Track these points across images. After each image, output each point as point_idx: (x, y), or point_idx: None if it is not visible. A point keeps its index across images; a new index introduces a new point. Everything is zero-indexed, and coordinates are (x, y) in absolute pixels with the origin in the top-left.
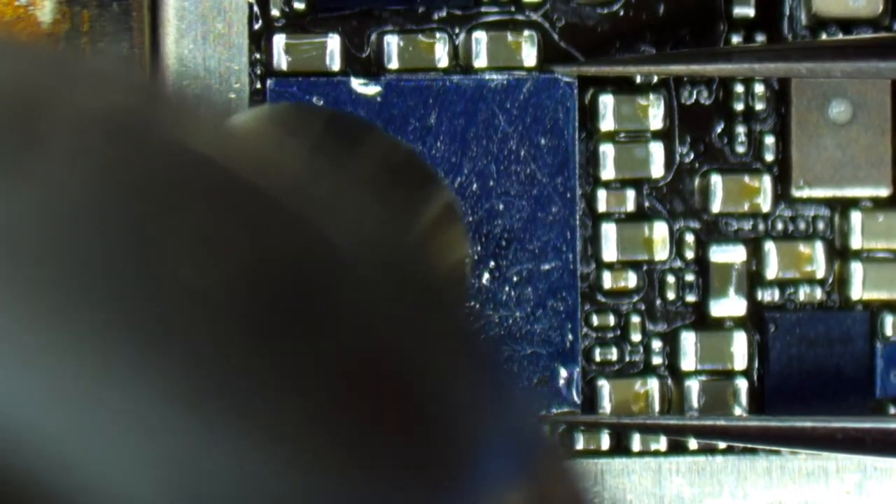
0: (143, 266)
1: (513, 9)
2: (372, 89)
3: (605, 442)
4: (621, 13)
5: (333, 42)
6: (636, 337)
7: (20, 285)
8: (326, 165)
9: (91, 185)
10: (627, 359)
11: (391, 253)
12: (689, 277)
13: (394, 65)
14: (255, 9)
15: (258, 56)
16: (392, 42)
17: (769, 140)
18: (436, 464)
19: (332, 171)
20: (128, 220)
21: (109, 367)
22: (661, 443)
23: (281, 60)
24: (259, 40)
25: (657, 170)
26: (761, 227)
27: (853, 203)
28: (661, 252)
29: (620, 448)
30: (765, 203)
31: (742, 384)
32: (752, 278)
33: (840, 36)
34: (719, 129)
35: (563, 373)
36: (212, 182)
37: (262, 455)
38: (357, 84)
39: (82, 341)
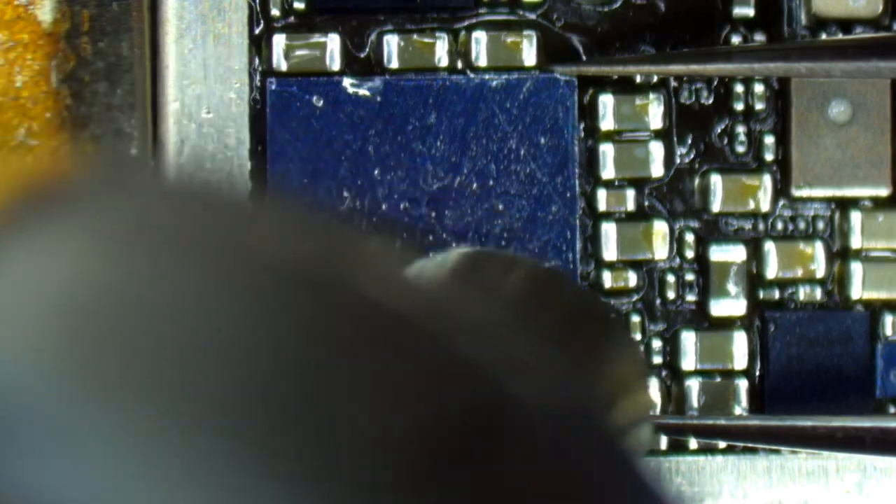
0: (322, 411)
1: (512, 9)
2: (363, 90)
3: None
4: (621, 13)
5: (333, 42)
6: (636, 336)
7: (190, 419)
8: (509, 314)
9: (276, 331)
10: None
11: (569, 405)
12: (689, 277)
13: (394, 64)
14: (255, 9)
15: (258, 56)
16: (392, 42)
17: (769, 140)
18: None
19: (514, 320)
20: (311, 364)
21: None
22: (662, 442)
23: (281, 60)
24: (259, 40)
25: (657, 169)
26: (761, 226)
27: (853, 203)
28: (661, 251)
29: None
30: (765, 203)
31: (742, 384)
32: (752, 278)
33: (840, 36)
34: (719, 129)
35: None
36: (394, 333)
37: None
38: (349, 84)
39: (258, 486)
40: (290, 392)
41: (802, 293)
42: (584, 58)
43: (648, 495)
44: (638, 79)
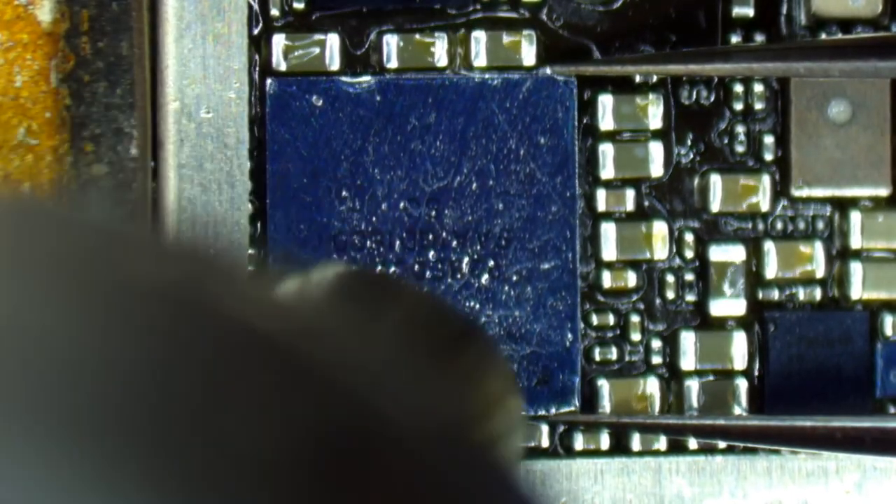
0: (199, 433)
1: (512, 8)
2: (363, 90)
3: (605, 442)
4: (621, 13)
5: (333, 42)
6: (636, 336)
7: (67, 442)
8: (370, 328)
9: (145, 352)
10: (627, 358)
11: (443, 426)
12: (689, 277)
13: (393, 64)
14: (255, 9)
15: (258, 56)
16: (391, 41)
17: (769, 140)
18: None
19: (375, 334)
20: (178, 387)
21: None
22: (661, 442)
23: (280, 60)
24: (258, 40)
25: (657, 169)
26: (761, 226)
27: (853, 203)
28: (661, 251)
29: (620, 448)
30: (764, 203)
31: (742, 384)
32: (752, 278)
33: (839, 36)
34: (719, 129)
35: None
36: (266, 353)
37: None
38: (348, 83)
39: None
40: (153, 409)
41: (802, 293)
42: (583, 58)
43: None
44: (637, 78)
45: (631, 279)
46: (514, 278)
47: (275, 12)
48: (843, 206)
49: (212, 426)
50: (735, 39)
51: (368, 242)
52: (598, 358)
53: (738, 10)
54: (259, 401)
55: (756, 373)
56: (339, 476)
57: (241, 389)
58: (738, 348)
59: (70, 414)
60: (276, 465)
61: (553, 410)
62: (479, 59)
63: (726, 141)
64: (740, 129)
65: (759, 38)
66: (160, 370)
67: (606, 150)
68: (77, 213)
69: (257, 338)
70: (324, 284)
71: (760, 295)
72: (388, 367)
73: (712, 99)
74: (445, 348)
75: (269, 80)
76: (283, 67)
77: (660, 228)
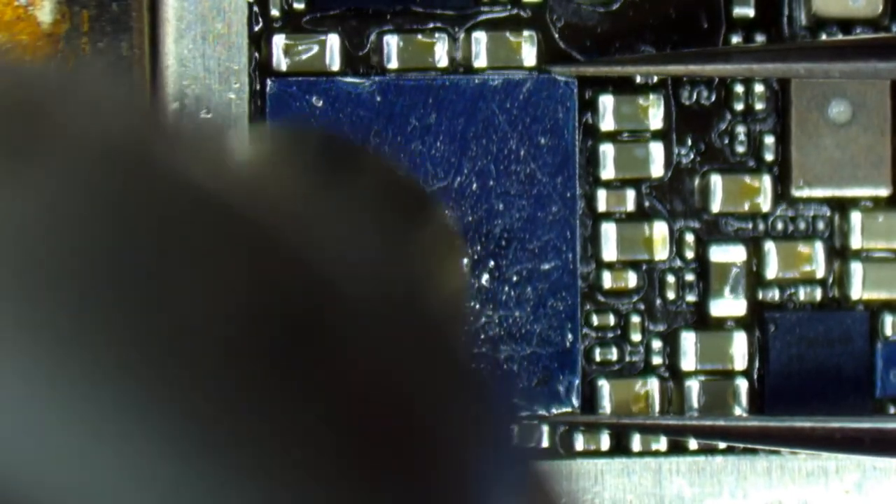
0: (143, 301)
1: (512, 9)
2: (363, 90)
3: (606, 442)
4: (621, 13)
5: (333, 42)
6: (636, 337)
7: (14, 314)
8: (322, 192)
9: (86, 210)
10: (627, 359)
11: (389, 283)
12: (689, 277)
13: (393, 64)
14: (255, 9)
15: (258, 56)
16: (392, 42)
17: (769, 140)
18: (438, 500)
19: (327, 197)
20: (125, 251)
21: (109, 412)
22: (662, 443)
23: (280, 60)
24: (258, 40)
25: (657, 169)
26: (761, 226)
27: (853, 203)
28: (661, 252)
29: (621, 448)
30: (765, 203)
31: (742, 384)
32: (752, 278)
33: (840, 36)
34: (719, 129)
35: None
36: (211, 216)
37: (263, 497)
38: (349, 84)
39: (81, 381)
40: (104, 271)
41: (802, 293)
42: (583, 58)
43: (468, 372)
44: (638, 79)
45: (631, 279)
46: (515, 279)
47: (275, 13)
48: (843, 206)
49: (163, 297)
50: (735, 40)
51: None
52: (598, 358)
53: (738, 11)
54: (202, 266)
55: (756, 373)
56: (291, 348)
57: (183, 254)
58: (739, 348)
59: (21, 283)
60: (227, 338)
61: (553, 411)
62: (480, 59)
63: (727, 141)
64: (741, 129)
65: (760, 38)
66: (110, 238)
67: (607, 151)
68: (33, 66)
69: (210, 199)
70: (284, 148)
71: (760, 295)
72: (345, 236)
73: (713, 99)
74: (401, 220)
75: (269, 81)
76: (283, 68)
77: (660, 229)
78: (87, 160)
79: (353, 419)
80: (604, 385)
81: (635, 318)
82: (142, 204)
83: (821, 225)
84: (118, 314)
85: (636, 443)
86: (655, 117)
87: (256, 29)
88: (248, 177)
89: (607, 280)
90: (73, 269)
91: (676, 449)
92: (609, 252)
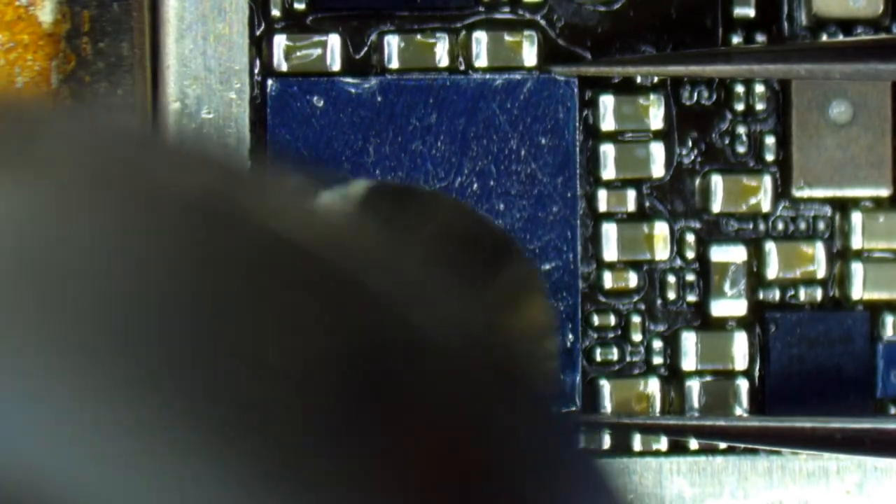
0: (225, 344)
1: (513, 8)
2: (363, 90)
3: (606, 442)
4: (621, 13)
5: (334, 42)
6: (637, 337)
7: (94, 355)
8: (402, 239)
9: (175, 262)
10: (628, 359)
11: (471, 331)
12: (690, 277)
13: (394, 64)
14: (256, 9)
15: (258, 57)
16: (392, 42)
17: (769, 140)
18: None
19: (407, 243)
20: (211, 297)
21: (186, 450)
22: (662, 443)
23: (281, 61)
24: (259, 41)
25: (658, 170)
26: (762, 227)
27: (854, 203)
28: (662, 252)
29: (621, 448)
30: (765, 203)
31: (742, 384)
32: (753, 278)
33: (840, 37)
34: (720, 130)
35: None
36: (296, 264)
37: None
38: (349, 84)
39: (160, 420)
40: (186, 323)
41: (803, 293)
42: (584, 58)
43: (551, 419)
44: (639, 79)
45: (632, 280)
46: None
47: (276, 13)
48: (843, 206)
49: (245, 340)
50: (736, 40)
51: None
52: (598, 358)
53: (739, 11)
54: (293, 314)
55: (757, 373)
56: (374, 391)
57: (274, 302)
58: (739, 349)
59: (105, 328)
60: (311, 381)
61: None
62: (481, 59)
63: (727, 141)
64: (741, 129)
65: (760, 38)
66: (194, 282)
67: (607, 151)
68: (108, 122)
69: (291, 249)
70: (357, 197)
71: (761, 295)
72: (421, 280)
73: (713, 99)
74: (480, 265)
75: (270, 81)
76: (284, 68)
77: (661, 229)
78: (177, 212)
79: (435, 467)
80: (604, 385)
81: (636, 319)
82: (227, 249)
83: (821, 225)
84: (201, 357)
85: (637, 443)
86: (656, 117)
87: (257, 30)
88: (329, 224)
89: (608, 280)
90: (158, 312)
91: (677, 449)
92: (610, 252)
